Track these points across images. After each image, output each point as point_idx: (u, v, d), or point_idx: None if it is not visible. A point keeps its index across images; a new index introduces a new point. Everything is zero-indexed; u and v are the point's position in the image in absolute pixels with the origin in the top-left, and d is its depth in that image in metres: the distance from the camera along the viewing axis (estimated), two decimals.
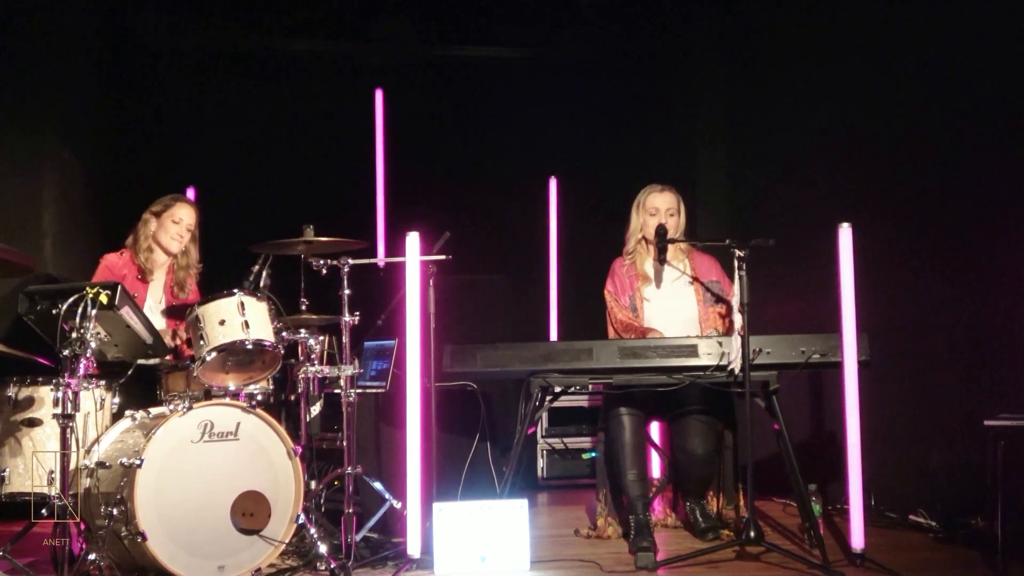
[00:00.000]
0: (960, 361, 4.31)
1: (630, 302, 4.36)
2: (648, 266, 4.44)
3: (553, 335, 5.92)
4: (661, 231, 4.26)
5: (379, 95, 5.84)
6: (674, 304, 4.37)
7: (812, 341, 3.93)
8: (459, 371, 4.03)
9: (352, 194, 5.88)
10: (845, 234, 3.81)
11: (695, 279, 4.41)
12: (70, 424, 3.39)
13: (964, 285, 4.29)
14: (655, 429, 4.57)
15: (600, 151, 6.44)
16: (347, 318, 3.99)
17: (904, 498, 4.49)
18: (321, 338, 4.20)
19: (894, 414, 4.56)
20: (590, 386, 4.31)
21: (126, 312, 3.67)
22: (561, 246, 6.04)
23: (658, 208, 4.39)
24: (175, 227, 4.37)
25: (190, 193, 5.28)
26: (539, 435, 5.72)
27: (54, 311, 3.47)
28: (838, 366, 3.81)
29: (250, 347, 3.82)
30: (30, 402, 3.69)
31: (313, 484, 4.05)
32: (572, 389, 4.36)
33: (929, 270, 4.50)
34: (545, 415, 5.57)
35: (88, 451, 3.65)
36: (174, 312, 4.37)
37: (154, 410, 3.88)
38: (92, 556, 3.44)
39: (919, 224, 4.54)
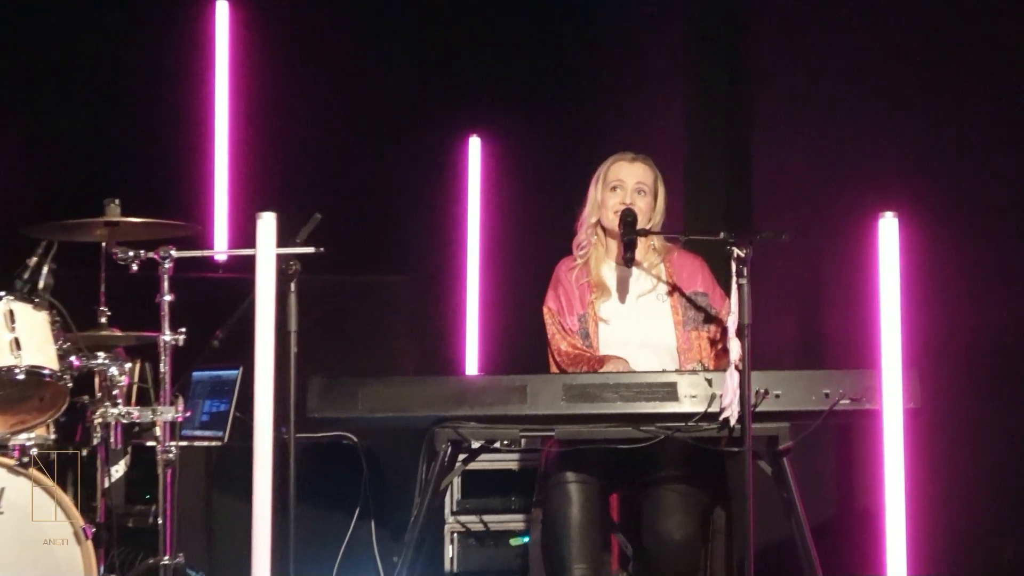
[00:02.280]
0: None
1: (580, 324, 4.40)
2: (608, 270, 4.47)
3: (471, 365, 5.89)
4: (628, 216, 4.27)
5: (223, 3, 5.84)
6: (643, 326, 4.39)
7: (839, 379, 3.94)
8: (332, 416, 3.99)
9: (179, 157, 5.89)
10: (889, 227, 3.83)
11: (674, 289, 4.43)
12: None
13: None
14: (615, 504, 4.56)
15: (548, 100, 6.48)
16: (168, 336, 4.04)
17: None
18: (129, 366, 4.22)
19: (952, 483, 4.62)
20: (523, 441, 4.24)
21: None
22: (487, 235, 6.03)
23: (624, 182, 4.41)
24: None
25: None
26: (448, 510, 5.65)
27: None
28: (875, 415, 3.86)
29: (21, 377, 3.86)
30: None
31: None
32: (497, 444, 4.29)
33: (997, 278, 4.58)
34: (457, 482, 5.52)
35: None
36: None
37: None
38: None
39: (983, 219, 4.65)
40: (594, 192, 4.46)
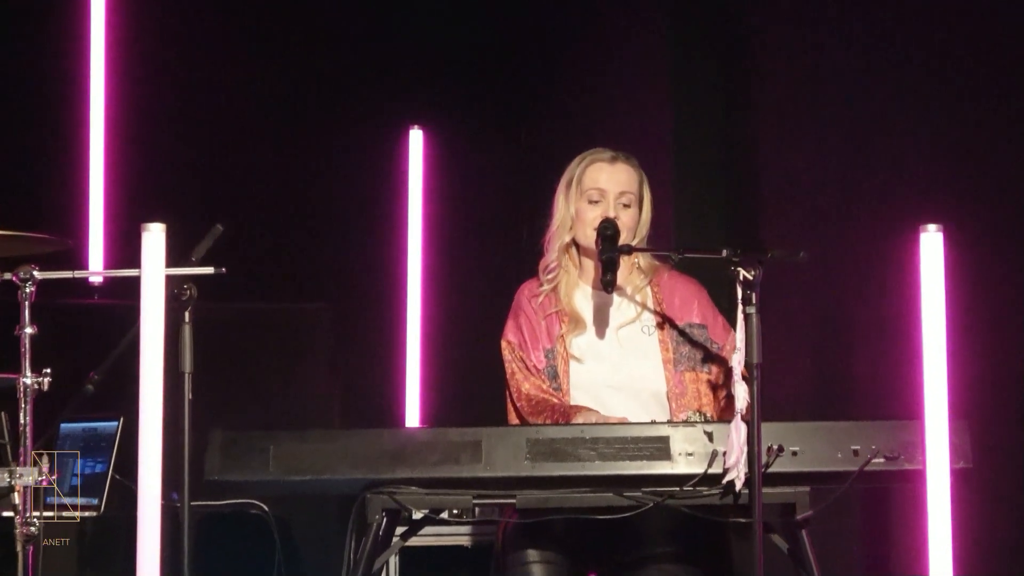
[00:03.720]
0: None
1: (547, 360, 4.41)
2: (582, 297, 4.48)
3: (412, 415, 5.94)
4: (607, 230, 4.27)
5: None
6: (625, 365, 4.40)
7: (870, 433, 3.94)
8: (236, 479, 3.97)
9: (44, 155, 5.93)
10: (932, 244, 3.83)
11: (664, 320, 4.44)
12: None
13: None
14: None
15: (504, 86, 6.55)
16: (29, 379, 4.01)
17: None
18: None
19: (1011, 557, 4.65)
20: (476, 510, 4.33)
21: None
22: (431, 250, 6.08)
23: (604, 191, 4.41)
24: None
25: None
26: None
27: None
28: (916, 477, 3.85)
29: None
30: None
31: None
32: (444, 515, 4.36)
33: None
34: (394, 561, 5.53)
35: None
36: None
37: None
38: None
39: None
40: (564, 202, 4.46)
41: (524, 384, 4.39)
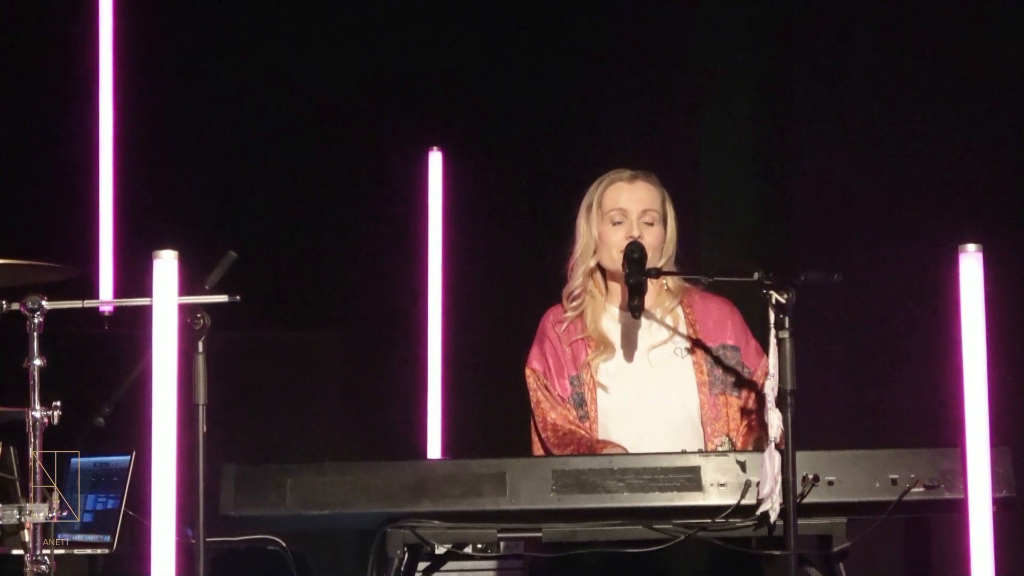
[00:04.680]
0: None
1: (572, 388, 4.42)
2: (609, 320, 4.48)
3: (433, 447, 5.86)
4: (634, 253, 4.26)
5: None
6: (657, 388, 4.41)
7: (909, 461, 3.93)
8: (252, 514, 3.98)
9: (52, 181, 5.97)
10: (972, 264, 3.81)
11: (697, 342, 4.45)
12: None
13: None
14: None
15: (526, 107, 6.53)
16: (37, 412, 4.00)
17: None
18: None
19: None
20: (501, 544, 4.31)
21: None
22: (452, 273, 6.01)
23: (626, 211, 4.41)
24: None
25: None
26: None
27: None
28: (957, 507, 3.82)
29: None
30: None
31: None
32: (468, 549, 4.32)
33: None
34: None
35: None
36: None
37: None
38: None
39: None
40: (586, 226, 4.46)
41: (550, 413, 4.39)
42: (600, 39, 6.55)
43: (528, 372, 4.45)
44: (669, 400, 4.39)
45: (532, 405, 4.44)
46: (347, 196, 6.45)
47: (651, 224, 4.40)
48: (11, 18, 6.25)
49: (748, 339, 4.44)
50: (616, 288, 4.43)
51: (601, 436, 4.34)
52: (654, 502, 3.90)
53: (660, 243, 4.40)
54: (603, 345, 4.42)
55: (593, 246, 4.43)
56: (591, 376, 4.40)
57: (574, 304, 4.47)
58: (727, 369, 4.40)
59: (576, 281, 4.46)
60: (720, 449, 4.22)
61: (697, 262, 5.07)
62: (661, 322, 4.44)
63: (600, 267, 4.45)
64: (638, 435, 4.30)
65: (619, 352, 4.43)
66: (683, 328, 4.46)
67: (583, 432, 4.33)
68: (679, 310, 4.48)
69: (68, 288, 4.22)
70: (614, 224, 4.40)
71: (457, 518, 3.95)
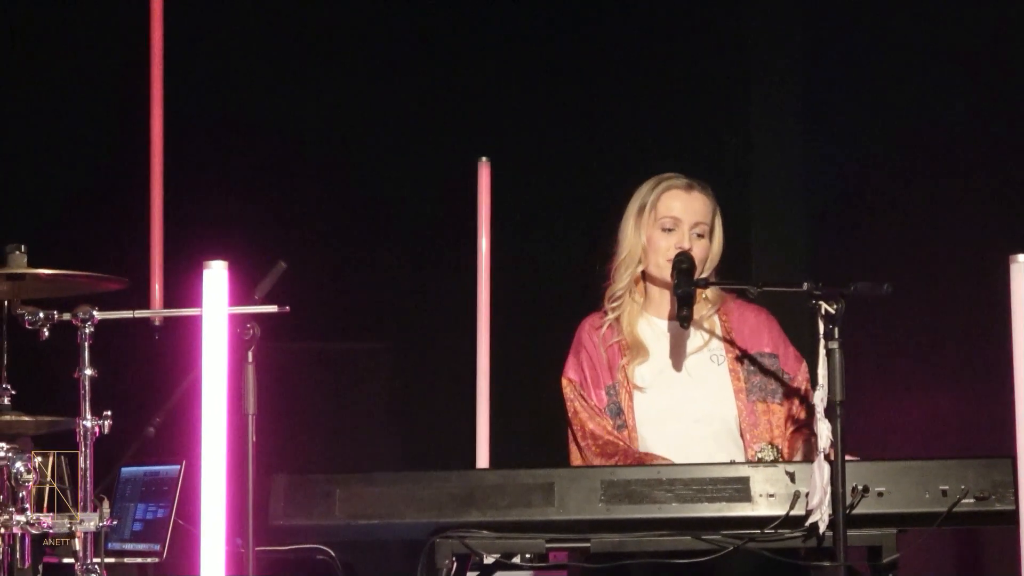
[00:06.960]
0: None
1: (609, 398, 4.42)
2: (646, 325, 4.48)
3: (481, 458, 5.84)
4: (682, 262, 4.27)
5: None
6: (694, 394, 4.41)
7: (960, 471, 3.92)
8: (301, 524, 3.99)
9: (101, 192, 5.99)
10: (1022, 272, 3.77)
11: (734, 349, 4.45)
12: None
13: None
14: None
15: (572, 116, 6.50)
16: (88, 422, 3.99)
17: None
18: (39, 460, 4.21)
19: None
20: (549, 555, 4.27)
21: None
22: (499, 285, 5.98)
23: (680, 220, 4.41)
24: None
25: None
26: None
27: None
28: (1009, 518, 3.80)
29: None
30: None
31: None
32: (516, 559, 4.31)
33: None
34: None
35: None
36: None
37: None
38: None
39: None
40: (635, 230, 4.44)
41: (589, 423, 4.39)
42: (650, 49, 6.52)
43: (565, 382, 4.45)
44: (707, 407, 4.39)
45: (569, 415, 4.43)
46: (397, 207, 6.45)
47: (701, 236, 4.39)
48: (64, 35, 6.28)
49: (786, 345, 4.45)
50: (655, 293, 4.44)
51: (639, 444, 4.35)
52: (703, 512, 3.90)
53: (706, 256, 4.40)
54: (636, 349, 4.41)
55: (640, 250, 4.42)
56: (627, 378, 4.39)
57: (614, 305, 4.45)
58: (766, 375, 4.40)
59: (620, 283, 4.44)
60: (760, 455, 4.23)
61: (747, 272, 5.07)
62: (699, 328, 4.43)
63: (646, 273, 4.44)
64: (677, 443, 4.31)
65: (655, 357, 4.42)
66: (720, 335, 4.46)
67: (624, 443, 4.33)
68: (715, 318, 4.48)
69: (119, 299, 4.22)
70: (664, 231, 4.38)
71: (505, 528, 3.96)
